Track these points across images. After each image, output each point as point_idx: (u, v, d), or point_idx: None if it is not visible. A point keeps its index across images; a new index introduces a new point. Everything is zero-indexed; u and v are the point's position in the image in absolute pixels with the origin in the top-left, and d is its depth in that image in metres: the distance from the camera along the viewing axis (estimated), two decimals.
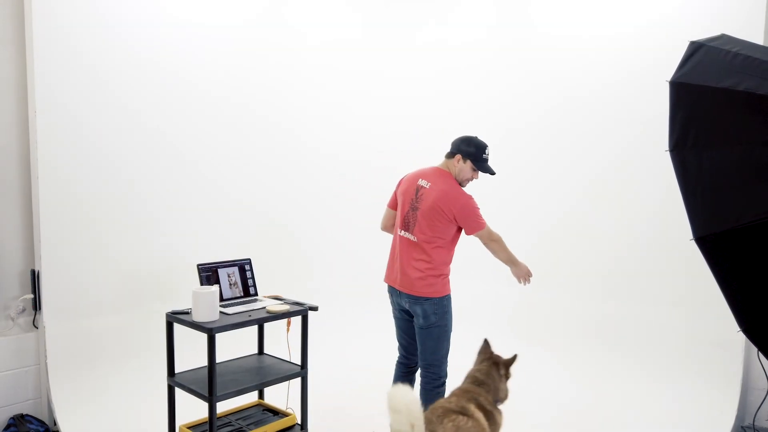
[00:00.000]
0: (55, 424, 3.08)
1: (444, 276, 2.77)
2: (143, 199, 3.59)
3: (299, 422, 3.06)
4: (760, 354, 2.66)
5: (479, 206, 2.75)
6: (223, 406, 3.06)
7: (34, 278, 3.12)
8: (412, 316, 2.84)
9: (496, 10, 4.69)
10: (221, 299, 2.89)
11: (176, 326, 2.75)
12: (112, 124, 3.42)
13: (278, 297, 3.14)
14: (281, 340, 3.23)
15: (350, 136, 4.80)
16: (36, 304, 3.14)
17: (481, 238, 2.76)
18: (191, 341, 3.09)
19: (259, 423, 3.04)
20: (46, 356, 3.12)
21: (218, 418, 2.99)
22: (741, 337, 3.17)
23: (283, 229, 4.44)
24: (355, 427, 3.25)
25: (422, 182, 2.79)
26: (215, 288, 2.70)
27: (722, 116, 2.00)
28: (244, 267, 3.07)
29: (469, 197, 2.72)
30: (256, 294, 3.09)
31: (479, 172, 2.83)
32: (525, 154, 4.54)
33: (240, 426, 3.02)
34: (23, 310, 3.12)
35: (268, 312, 2.81)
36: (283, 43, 4.34)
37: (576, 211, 4.27)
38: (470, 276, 4.78)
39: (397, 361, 3.04)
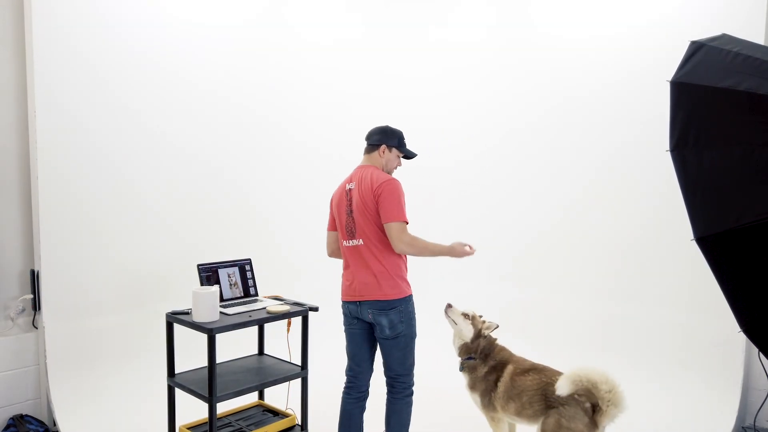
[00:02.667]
0: (54, 424, 3.08)
1: (402, 276, 2.60)
2: (143, 199, 3.59)
3: (299, 423, 3.06)
4: (761, 354, 2.66)
5: (406, 200, 2.57)
6: (223, 407, 3.06)
7: (34, 278, 3.12)
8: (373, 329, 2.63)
9: (496, 11, 4.69)
10: (221, 299, 2.89)
11: (176, 326, 2.75)
12: (112, 124, 3.42)
13: (278, 297, 3.14)
14: (281, 341, 3.23)
15: (350, 136, 4.78)
16: (35, 304, 3.14)
17: (391, 232, 2.48)
18: (191, 341, 3.09)
19: (259, 423, 3.04)
20: (45, 356, 3.12)
21: (218, 418, 2.99)
22: (741, 337, 3.18)
23: (284, 229, 4.43)
24: None
25: (349, 186, 2.67)
26: (215, 288, 2.69)
27: (723, 116, 2.00)
28: (244, 267, 3.07)
29: (396, 181, 2.55)
30: (256, 294, 3.09)
31: (401, 159, 2.79)
32: (525, 154, 4.53)
33: (240, 426, 3.02)
34: (23, 310, 3.12)
35: (268, 312, 2.81)
36: (282, 44, 4.34)
37: (575, 210, 4.26)
38: (466, 276, 4.78)
39: (346, 387, 2.74)
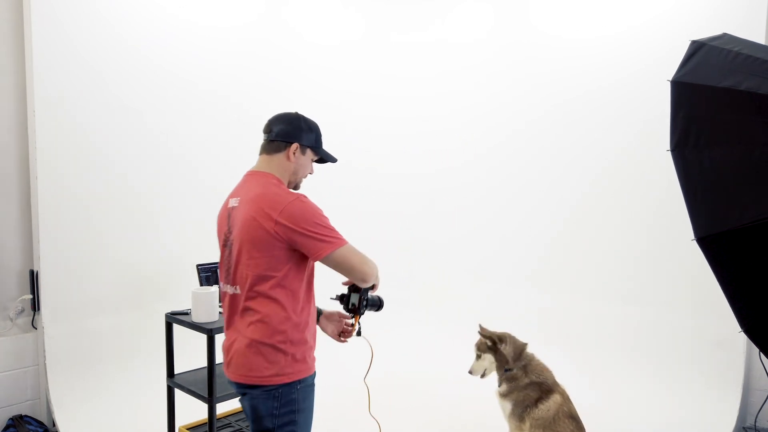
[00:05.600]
0: (54, 424, 3.07)
1: (295, 344, 1.70)
2: (143, 199, 3.58)
3: None
4: (762, 354, 2.66)
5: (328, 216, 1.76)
6: (223, 407, 3.05)
7: (33, 278, 3.12)
8: None
9: (495, 11, 4.68)
10: (221, 300, 2.88)
11: (176, 327, 2.75)
12: (112, 124, 3.41)
13: None
14: None
15: (349, 137, 4.79)
16: (35, 305, 3.13)
17: (343, 263, 1.70)
18: (191, 342, 3.08)
19: None
20: (45, 357, 3.11)
21: (218, 418, 2.98)
22: (742, 338, 3.18)
23: None
24: (355, 428, 3.24)
25: (232, 202, 1.84)
26: (215, 288, 2.69)
27: (723, 116, 2.00)
28: None
29: (303, 197, 1.74)
30: None
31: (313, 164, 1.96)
32: (527, 155, 4.52)
33: (240, 427, 3.01)
34: (22, 311, 3.11)
35: None
36: (282, 44, 4.34)
37: (576, 211, 4.26)
38: (473, 280, 4.78)
39: None
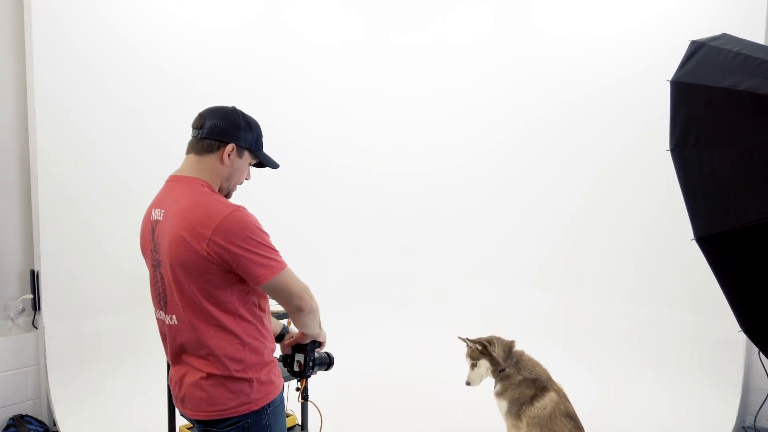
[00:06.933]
0: (54, 424, 3.08)
1: (257, 367, 1.54)
2: (143, 199, 3.55)
3: (299, 423, 3.06)
4: (761, 354, 2.66)
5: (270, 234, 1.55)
6: None
7: (34, 278, 3.12)
8: None
9: (495, 11, 4.68)
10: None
11: None
12: (112, 124, 3.41)
13: None
14: None
15: (349, 137, 4.79)
16: (35, 305, 3.13)
17: (284, 290, 1.53)
18: None
19: None
20: (45, 356, 3.11)
21: None
22: (742, 337, 3.18)
23: (282, 229, 4.41)
24: (355, 428, 3.24)
25: (155, 214, 1.62)
26: None
27: (723, 116, 2.00)
28: None
29: (243, 210, 1.50)
30: None
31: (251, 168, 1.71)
32: (526, 155, 4.53)
33: None
34: (23, 311, 3.12)
35: None
36: (282, 44, 4.34)
37: (576, 212, 4.26)
38: (478, 281, 4.78)
39: None
